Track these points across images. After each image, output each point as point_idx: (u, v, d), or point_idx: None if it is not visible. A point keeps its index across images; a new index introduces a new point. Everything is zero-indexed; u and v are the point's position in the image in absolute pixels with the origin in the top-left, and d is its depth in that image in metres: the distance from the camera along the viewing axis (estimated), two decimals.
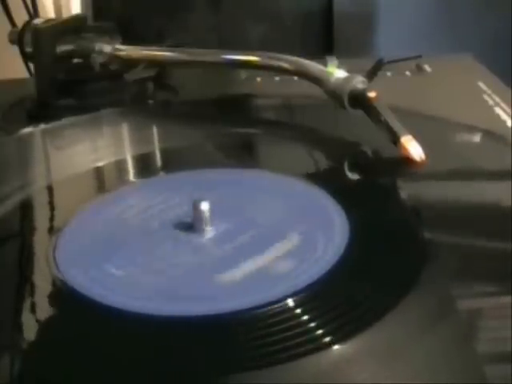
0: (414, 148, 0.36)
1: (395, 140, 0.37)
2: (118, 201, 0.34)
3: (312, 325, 0.24)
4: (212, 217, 0.30)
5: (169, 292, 0.27)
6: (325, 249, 0.29)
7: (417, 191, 0.35)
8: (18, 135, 0.44)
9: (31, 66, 0.54)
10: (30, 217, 0.35)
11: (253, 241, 0.30)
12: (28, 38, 0.50)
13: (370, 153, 0.40)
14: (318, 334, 0.24)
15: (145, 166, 0.40)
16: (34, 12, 0.63)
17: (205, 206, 0.30)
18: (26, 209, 0.36)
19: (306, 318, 0.25)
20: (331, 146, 0.41)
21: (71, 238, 0.31)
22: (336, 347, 0.23)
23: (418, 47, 0.58)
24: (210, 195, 0.31)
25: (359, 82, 0.40)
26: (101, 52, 0.50)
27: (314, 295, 0.26)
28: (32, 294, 0.28)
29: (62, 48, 0.49)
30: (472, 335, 0.25)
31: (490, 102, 0.47)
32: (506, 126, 0.42)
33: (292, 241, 0.30)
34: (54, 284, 0.28)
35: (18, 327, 0.26)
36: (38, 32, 0.49)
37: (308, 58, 0.45)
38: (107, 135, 0.45)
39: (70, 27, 0.50)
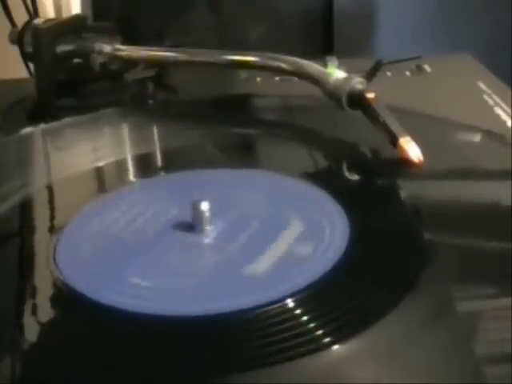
0: (412, 149, 0.36)
1: (394, 141, 0.37)
2: (118, 201, 0.34)
3: (312, 325, 0.24)
4: (212, 217, 0.30)
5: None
6: (325, 249, 0.29)
7: (417, 191, 0.35)
8: (18, 135, 0.44)
9: (31, 65, 0.54)
10: (30, 217, 0.35)
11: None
12: (28, 37, 0.50)
13: (369, 153, 0.40)
14: (318, 334, 0.24)
15: (145, 165, 0.40)
16: (34, 12, 0.63)
17: (205, 206, 0.30)
18: (26, 209, 0.36)
19: (305, 318, 0.25)
20: (330, 146, 0.41)
21: (71, 238, 0.31)
22: (336, 347, 0.23)
23: (418, 47, 0.58)
24: (209, 195, 0.31)
25: (358, 83, 0.40)
26: (101, 52, 0.50)
27: (314, 295, 0.26)
28: (32, 294, 0.28)
29: (62, 48, 0.49)
30: (471, 336, 0.25)
31: (490, 102, 0.47)
32: (506, 126, 0.42)
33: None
34: (54, 284, 0.28)
35: (19, 328, 0.26)
36: (38, 32, 0.49)
37: (308, 58, 0.44)
38: (107, 135, 0.45)
39: (70, 27, 0.50)
